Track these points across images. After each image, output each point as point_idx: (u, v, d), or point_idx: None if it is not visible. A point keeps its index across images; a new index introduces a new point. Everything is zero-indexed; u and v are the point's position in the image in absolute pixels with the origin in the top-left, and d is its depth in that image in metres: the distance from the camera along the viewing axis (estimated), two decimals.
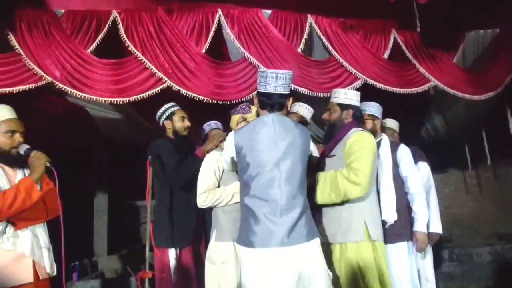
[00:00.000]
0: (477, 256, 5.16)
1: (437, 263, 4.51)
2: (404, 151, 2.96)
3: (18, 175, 2.27)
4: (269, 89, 2.14)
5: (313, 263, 2.03)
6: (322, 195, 2.36)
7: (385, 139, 2.94)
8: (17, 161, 2.25)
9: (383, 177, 2.75)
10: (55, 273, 2.40)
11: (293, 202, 2.04)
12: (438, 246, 3.76)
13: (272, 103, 2.15)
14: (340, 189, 2.29)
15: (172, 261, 2.72)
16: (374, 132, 2.88)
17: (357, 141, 2.37)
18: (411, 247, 2.89)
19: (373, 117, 2.96)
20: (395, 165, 2.88)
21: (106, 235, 5.36)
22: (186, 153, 2.97)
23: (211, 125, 3.13)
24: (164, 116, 2.94)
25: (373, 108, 2.97)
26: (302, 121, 3.01)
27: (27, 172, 2.30)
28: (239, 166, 2.15)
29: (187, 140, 3.02)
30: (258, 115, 2.34)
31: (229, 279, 2.40)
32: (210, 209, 2.59)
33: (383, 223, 2.65)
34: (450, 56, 4.00)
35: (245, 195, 2.09)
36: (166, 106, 2.96)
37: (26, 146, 2.25)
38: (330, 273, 2.12)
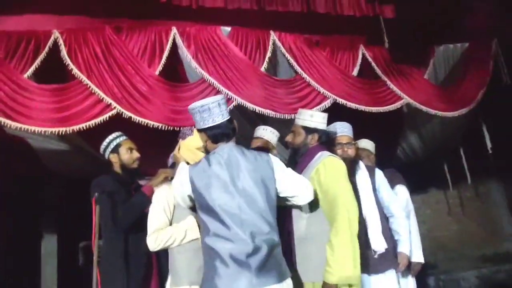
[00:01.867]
0: (464, 281, 5.19)
1: None
2: (382, 176, 2.96)
3: None
4: (218, 120, 2.13)
5: None
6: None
7: (361, 164, 2.91)
8: None
9: (365, 204, 2.72)
10: None
11: (259, 240, 1.99)
12: (423, 273, 3.74)
13: (227, 132, 2.15)
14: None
15: None
16: (355, 157, 2.87)
17: (332, 168, 2.33)
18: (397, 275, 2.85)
19: (354, 141, 2.92)
20: (374, 191, 2.85)
21: (56, 282, 5.05)
22: (136, 188, 2.84)
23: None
24: (109, 150, 2.80)
25: (350, 130, 2.91)
26: (266, 146, 2.95)
27: None
28: (196, 204, 2.08)
29: (137, 173, 2.89)
30: (207, 151, 2.24)
31: None
32: (164, 250, 2.44)
33: (373, 252, 2.63)
34: (420, 71, 4.09)
35: (205, 235, 2.02)
36: (109, 138, 2.82)
37: None
38: None
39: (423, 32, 4.01)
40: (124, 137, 2.84)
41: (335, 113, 3.02)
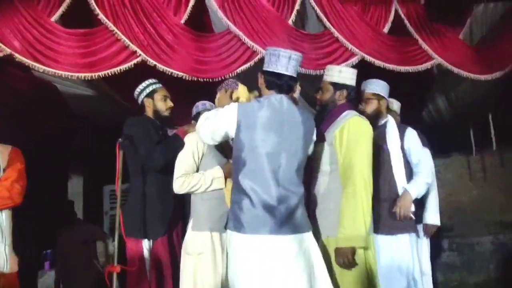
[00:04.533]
0: (479, 246, 5.16)
1: (436, 253, 4.51)
2: (413, 135, 2.88)
3: None
4: (281, 69, 2.13)
5: (310, 255, 2.05)
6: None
7: (391, 122, 2.84)
8: None
9: (393, 165, 2.70)
10: (8, 270, 2.34)
11: (290, 189, 2.05)
12: (438, 235, 3.75)
13: (281, 84, 2.15)
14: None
15: (146, 253, 2.65)
16: (379, 114, 2.81)
17: (355, 131, 2.30)
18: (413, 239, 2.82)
19: (379, 97, 2.84)
20: (403, 151, 2.79)
21: None
22: (165, 135, 2.87)
23: (206, 105, 3.01)
24: (144, 94, 2.82)
25: (378, 86, 2.85)
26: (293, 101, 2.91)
27: None
28: (236, 143, 2.11)
29: (169, 122, 2.92)
30: (260, 94, 2.30)
31: (204, 271, 2.38)
32: (190, 195, 2.53)
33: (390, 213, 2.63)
34: (456, 31, 3.86)
35: (239, 174, 2.06)
36: (146, 82, 2.84)
37: None
38: None
39: None
40: (160, 85, 2.86)
41: (362, 70, 2.93)
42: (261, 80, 2.22)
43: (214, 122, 2.15)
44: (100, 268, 4.10)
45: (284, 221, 2.00)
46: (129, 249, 2.67)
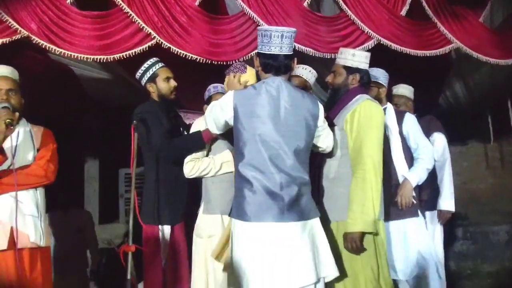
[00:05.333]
0: (493, 235, 5.12)
1: (450, 241, 4.48)
2: (411, 120, 2.85)
3: None
4: (274, 50, 2.05)
5: (315, 239, 2.02)
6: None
7: (390, 109, 2.83)
8: None
9: (393, 152, 2.70)
10: (44, 244, 2.41)
11: (294, 176, 2.00)
12: (452, 223, 3.72)
13: (278, 65, 2.07)
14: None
15: (161, 236, 2.66)
16: (378, 101, 2.78)
17: (366, 115, 2.27)
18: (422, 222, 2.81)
19: (378, 85, 2.84)
20: (402, 137, 2.78)
21: (97, 204, 5.37)
22: (176, 118, 2.87)
23: (218, 88, 2.98)
24: (146, 79, 2.71)
25: (378, 74, 2.85)
26: (304, 85, 2.89)
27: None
28: (235, 131, 2.07)
29: (175, 102, 2.88)
30: (258, 78, 2.24)
31: None
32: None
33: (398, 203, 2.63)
34: (476, 14, 3.75)
35: (239, 162, 2.03)
36: (145, 65, 2.71)
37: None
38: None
39: None
40: (161, 65, 2.73)
41: (378, 54, 2.89)
42: (257, 63, 2.15)
43: (215, 112, 2.12)
44: (115, 247, 4.13)
45: (288, 207, 1.97)
46: (145, 232, 2.67)
